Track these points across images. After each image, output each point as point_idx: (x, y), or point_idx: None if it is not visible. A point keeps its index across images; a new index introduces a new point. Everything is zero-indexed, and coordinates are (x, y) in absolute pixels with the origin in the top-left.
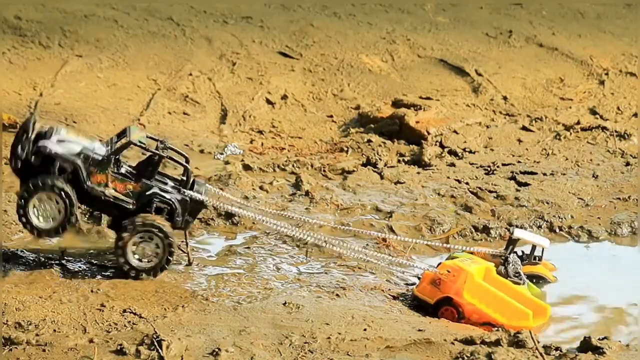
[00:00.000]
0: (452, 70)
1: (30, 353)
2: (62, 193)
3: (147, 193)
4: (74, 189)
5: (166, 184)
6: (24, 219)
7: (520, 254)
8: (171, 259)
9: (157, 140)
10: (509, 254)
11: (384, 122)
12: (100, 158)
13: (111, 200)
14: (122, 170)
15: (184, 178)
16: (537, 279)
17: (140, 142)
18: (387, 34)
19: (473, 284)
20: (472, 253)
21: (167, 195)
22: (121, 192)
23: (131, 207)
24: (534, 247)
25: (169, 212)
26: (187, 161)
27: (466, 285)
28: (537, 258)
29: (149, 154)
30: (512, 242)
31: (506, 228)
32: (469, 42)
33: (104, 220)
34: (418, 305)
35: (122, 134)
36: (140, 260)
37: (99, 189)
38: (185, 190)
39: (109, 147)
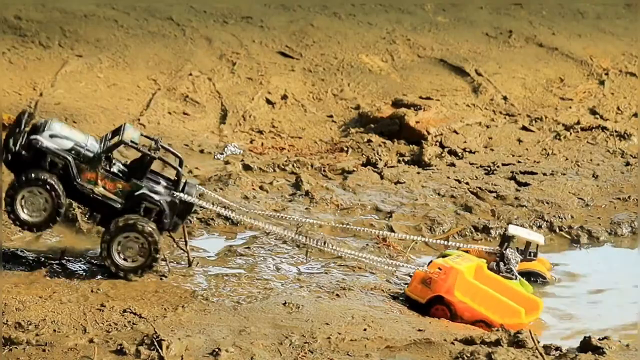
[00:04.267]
0: (452, 70)
1: (30, 353)
2: (48, 186)
3: (137, 193)
4: (65, 184)
5: (158, 183)
6: (12, 215)
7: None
8: (158, 257)
9: (151, 139)
10: (504, 250)
11: (384, 122)
12: (91, 155)
13: (99, 198)
14: (114, 169)
15: (176, 179)
16: (534, 277)
17: (132, 141)
18: (387, 34)
19: (464, 282)
20: (467, 251)
21: (156, 197)
22: (111, 191)
23: (119, 206)
24: (528, 244)
25: (158, 214)
26: (181, 162)
27: (457, 283)
28: (532, 254)
29: (142, 154)
30: (506, 238)
31: (506, 228)
32: (469, 42)
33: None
34: (415, 304)
35: (117, 131)
36: (125, 259)
37: (89, 186)
38: (174, 192)
39: (102, 145)
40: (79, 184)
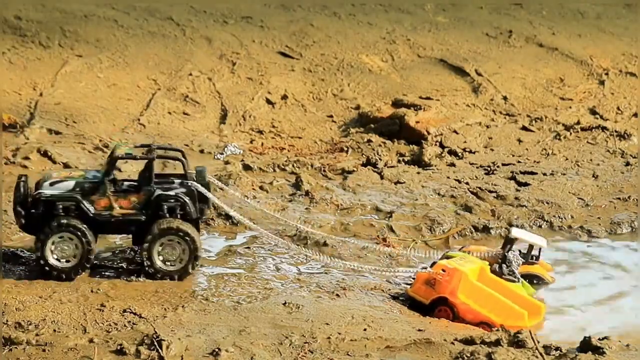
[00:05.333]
0: (452, 70)
1: (30, 353)
2: (77, 231)
3: (153, 198)
4: (85, 222)
5: (171, 182)
6: (43, 262)
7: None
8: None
9: (145, 146)
10: (507, 252)
11: (384, 122)
12: (96, 184)
13: (121, 218)
14: (123, 187)
15: (184, 171)
16: (535, 279)
17: (126, 154)
18: (387, 34)
19: (467, 284)
20: (469, 252)
21: (172, 192)
22: (127, 208)
23: (143, 217)
24: (531, 247)
25: (181, 207)
26: (183, 155)
27: (461, 285)
28: (534, 257)
29: (145, 162)
30: (509, 241)
31: (506, 228)
32: (469, 42)
33: None
34: (416, 304)
35: (111, 155)
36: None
37: (106, 213)
38: (188, 182)
39: (102, 171)
40: (96, 215)
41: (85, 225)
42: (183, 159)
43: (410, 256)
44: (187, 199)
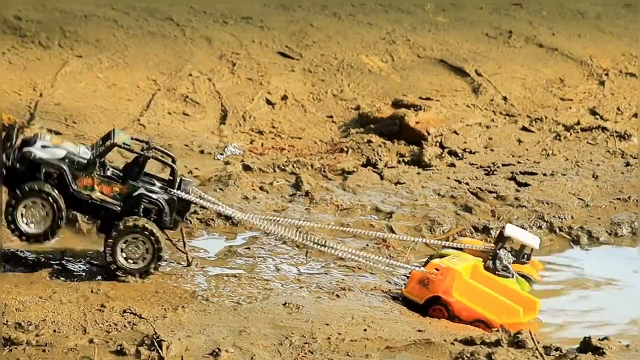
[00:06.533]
0: (452, 70)
1: (30, 353)
2: (49, 197)
3: (134, 194)
4: (61, 193)
5: (154, 184)
6: (12, 226)
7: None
8: (162, 255)
9: (142, 141)
10: (498, 249)
11: (384, 123)
12: (85, 162)
13: (98, 203)
14: (108, 173)
15: (171, 178)
16: (524, 279)
17: (124, 144)
18: (387, 34)
19: (461, 283)
20: (461, 250)
21: (154, 196)
22: (108, 195)
23: (118, 209)
24: (523, 247)
25: (157, 212)
26: (174, 161)
27: (455, 283)
28: (525, 256)
29: (135, 155)
30: (502, 238)
31: (503, 227)
32: (468, 42)
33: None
34: (414, 305)
35: (107, 137)
36: (28, 224)
37: (86, 192)
38: (172, 190)
39: (94, 151)
40: (75, 191)
41: (58, 192)
42: (174, 166)
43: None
44: (165, 206)
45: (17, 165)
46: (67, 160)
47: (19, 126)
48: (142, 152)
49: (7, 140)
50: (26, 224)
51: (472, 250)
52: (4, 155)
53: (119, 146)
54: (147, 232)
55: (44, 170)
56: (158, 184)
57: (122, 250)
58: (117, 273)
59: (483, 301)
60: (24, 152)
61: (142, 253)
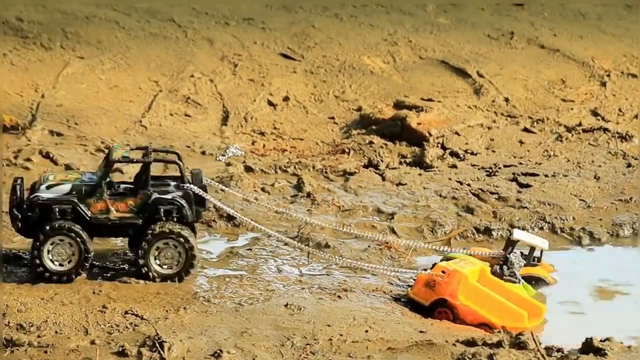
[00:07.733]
0: (454, 71)
1: (32, 355)
2: (74, 234)
3: (149, 202)
4: (81, 225)
5: (168, 185)
6: (40, 267)
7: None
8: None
9: (142, 148)
10: (508, 254)
11: (386, 124)
12: (92, 188)
13: (118, 222)
14: (120, 190)
15: (180, 174)
16: (536, 281)
17: (123, 157)
18: (388, 35)
19: (467, 286)
20: (470, 254)
21: (169, 196)
22: (125, 211)
23: (140, 221)
24: (532, 249)
25: (178, 210)
26: (179, 157)
27: (461, 287)
28: (535, 259)
29: (141, 164)
30: (511, 243)
31: (508, 229)
32: (470, 43)
33: None
34: (417, 306)
35: (108, 157)
36: (53, 262)
37: (102, 216)
38: (184, 185)
39: (99, 174)
40: (93, 218)
41: (80, 227)
42: (179, 162)
43: (411, 258)
44: (183, 202)
45: (30, 214)
46: (74, 192)
47: (20, 178)
48: (143, 159)
49: (13, 194)
50: (53, 262)
51: (481, 257)
52: (14, 210)
53: (116, 161)
54: (174, 235)
55: (56, 209)
56: (172, 183)
57: (155, 258)
58: (157, 280)
59: (488, 305)
60: (32, 199)
61: (175, 257)
